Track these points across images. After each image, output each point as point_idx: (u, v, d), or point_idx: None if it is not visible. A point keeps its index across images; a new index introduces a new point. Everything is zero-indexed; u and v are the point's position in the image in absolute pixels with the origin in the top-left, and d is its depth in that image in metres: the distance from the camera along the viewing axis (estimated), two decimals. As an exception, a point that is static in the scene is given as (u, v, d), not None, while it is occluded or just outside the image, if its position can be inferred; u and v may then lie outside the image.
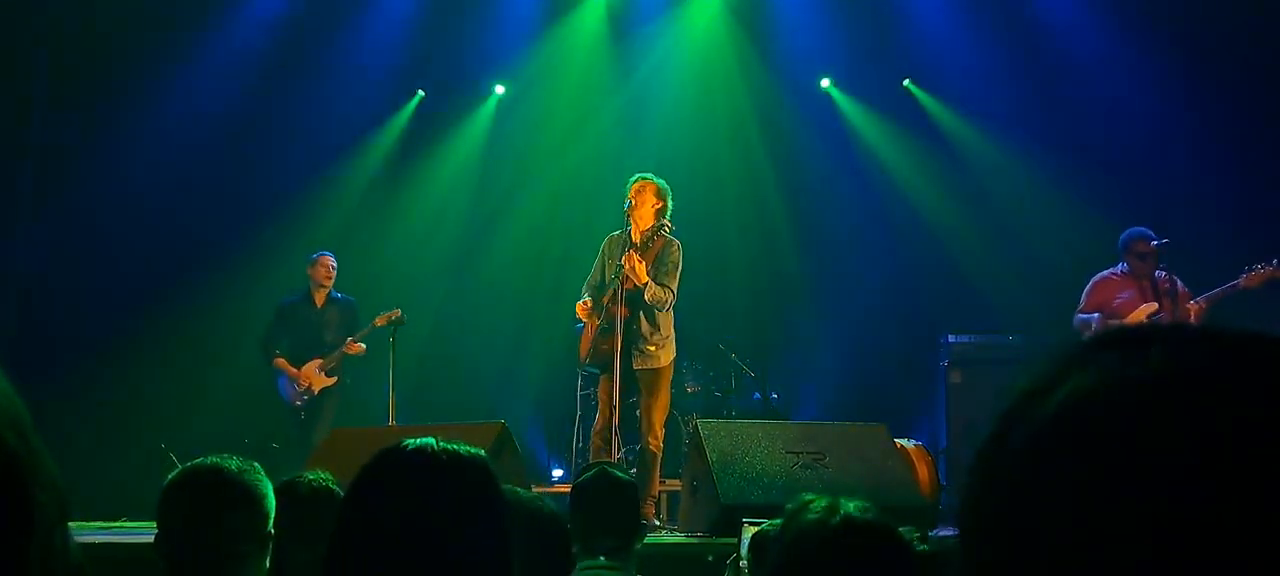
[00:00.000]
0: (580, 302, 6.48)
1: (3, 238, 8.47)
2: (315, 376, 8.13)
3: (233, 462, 2.33)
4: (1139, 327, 0.62)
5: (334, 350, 8.10)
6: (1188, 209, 8.48)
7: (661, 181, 6.50)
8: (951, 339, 8.89)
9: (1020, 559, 0.58)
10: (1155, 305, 7.24)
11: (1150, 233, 7.32)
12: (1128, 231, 7.44)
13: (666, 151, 10.17)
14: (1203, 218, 8.46)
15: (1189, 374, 0.57)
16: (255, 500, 2.30)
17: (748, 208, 10.23)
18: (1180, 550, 0.53)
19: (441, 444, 1.50)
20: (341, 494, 2.67)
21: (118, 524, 6.80)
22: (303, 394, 8.15)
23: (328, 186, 9.85)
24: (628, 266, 6.12)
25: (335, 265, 8.36)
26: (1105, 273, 7.58)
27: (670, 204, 6.50)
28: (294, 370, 8.18)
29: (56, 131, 8.84)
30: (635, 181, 6.48)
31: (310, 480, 2.70)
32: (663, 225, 6.37)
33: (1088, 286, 7.59)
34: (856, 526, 1.86)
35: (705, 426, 5.95)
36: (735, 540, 5.22)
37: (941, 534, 5.64)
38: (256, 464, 2.38)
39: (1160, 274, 7.37)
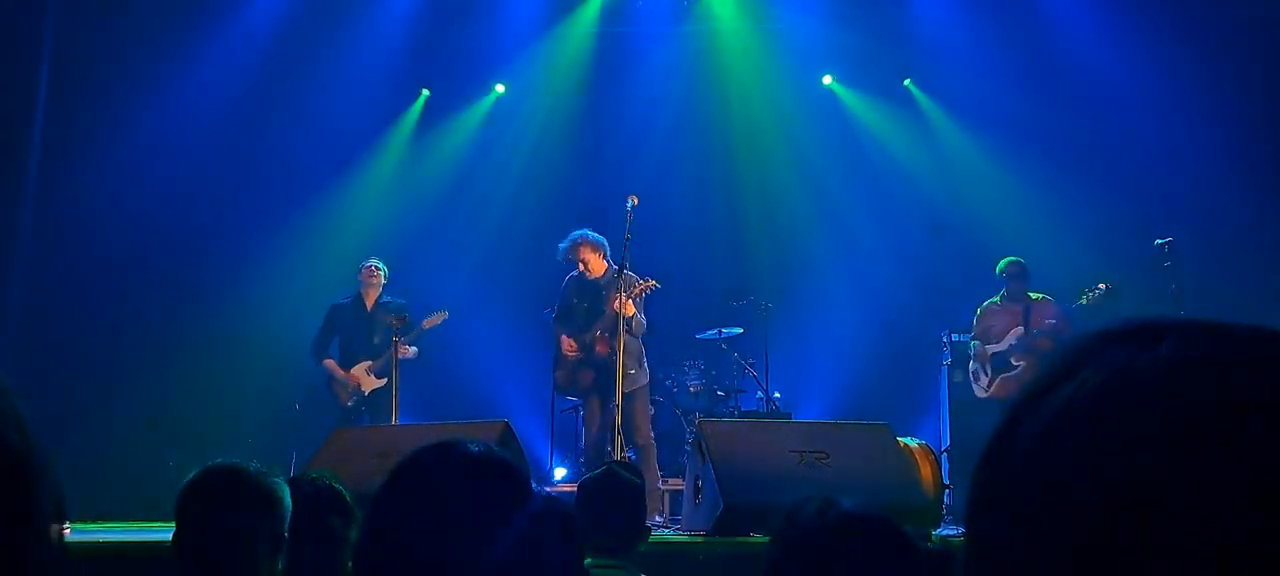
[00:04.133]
0: (568, 341, 7.33)
1: (6, 238, 8.47)
2: (364, 378, 8.11)
3: (252, 464, 2.35)
4: (1149, 321, 0.61)
5: (383, 352, 8.02)
6: (1190, 207, 8.47)
7: (593, 234, 7.32)
8: (954, 338, 8.90)
9: (1030, 555, 0.57)
10: (1021, 328, 7.96)
11: (1020, 261, 8.06)
12: (1001, 262, 8.14)
13: (667, 151, 10.18)
14: (1206, 217, 8.45)
15: (1199, 366, 0.57)
16: (272, 502, 2.31)
17: (749, 208, 10.23)
18: (1192, 541, 0.52)
19: (475, 444, 1.48)
20: (343, 492, 2.69)
21: (124, 524, 6.79)
22: (353, 395, 8.12)
23: (335, 186, 9.86)
24: (617, 306, 6.91)
25: (380, 269, 8.35)
26: (989, 301, 8.24)
27: (608, 248, 7.35)
28: (342, 372, 8.17)
29: (60, 136, 8.84)
30: (570, 245, 7.31)
31: (313, 478, 2.71)
32: (619, 267, 7.16)
33: (976, 314, 8.27)
34: (853, 520, 1.86)
35: (708, 426, 5.94)
36: (738, 539, 5.23)
37: (945, 533, 5.63)
38: (275, 466, 2.40)
39: (1035, 297, 8.03)
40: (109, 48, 9.00)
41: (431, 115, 10.38)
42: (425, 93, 10.31)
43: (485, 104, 10.43)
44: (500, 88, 10.37)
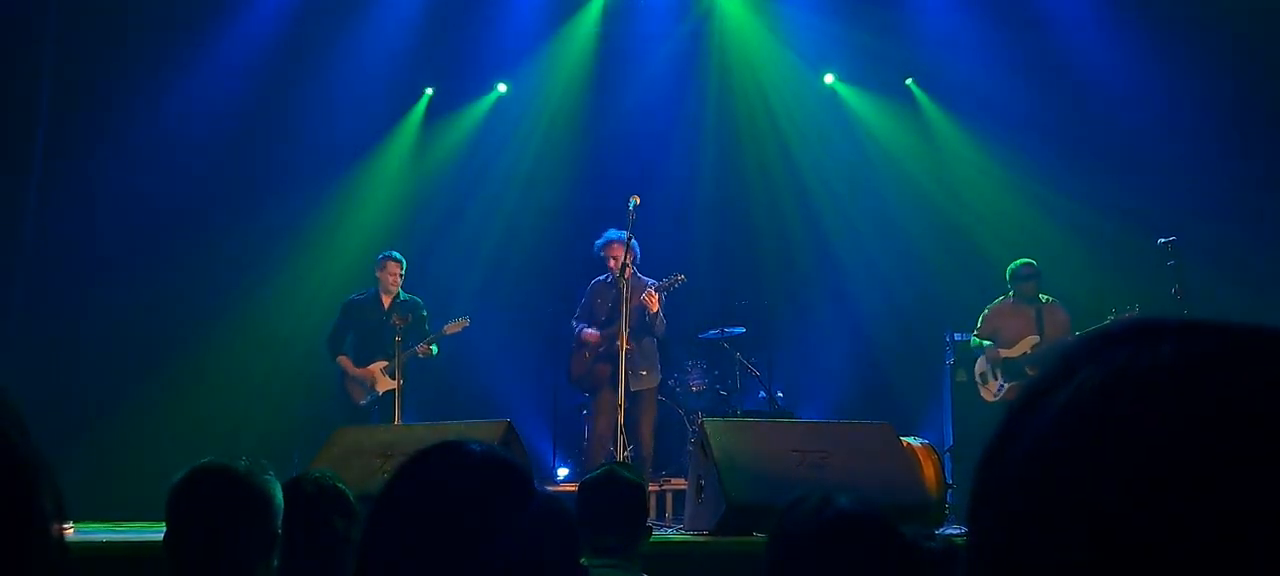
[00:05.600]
0: (590, 332, 7.62)
1: (10, 235, 8.48)
2: (380, 377, 8.04)
3: (241, 463, 2.33)
4: (1149, 321, 0.61)
5: (399, 351, 7.92)
6: (1193, 207, 8.46)
7: (626, 234, 7.36)
8: (957, 337, 8.90)
9: (1031, 556, 0.57)
10: (1037, 337, 7.98)
11: (1032, 264, 8.08)
12: (1013, 264, 8.18)
13: (669, 150, 10.18)
14: (1208, 217, 8.44)
15: (1200, 367, 0.57)
16: (263, 501, 2.30)
17: (752, 206, 10.23)
18: (1194, 542, 0.52)
19: (478, 444, 1.49)
20: (345, 492, 2.68)
21: (126, 524, 6.80)
22: (367, 393, 8.09)
23: (337, 186, 9.87)
24: (647, 300, 7.28)
25: (402, 268, 8.29)
26: (998, 301, 8.28)
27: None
28: (357, 370, 8.12)
29: (64, 133, 8.84)
30: (606, 244, 7.57)
31: (315, 478, 2.70)
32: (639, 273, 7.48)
33: (983, 314, 8.31)
34: (848, 516, 1.87)
35: (711, 425, 5.93)
36: (741, 539, 5.22)
37: (948, 532, 5.63)
38: (265, 463, 2.39)
39: (1044, 299, 8.08)
40: (113, 45, 8.99)
41: (435, 115, 10.37)
42: (428, 92, 10.30)
43: (487, 103, 10.42)
44: (502, 87, 10.36)
